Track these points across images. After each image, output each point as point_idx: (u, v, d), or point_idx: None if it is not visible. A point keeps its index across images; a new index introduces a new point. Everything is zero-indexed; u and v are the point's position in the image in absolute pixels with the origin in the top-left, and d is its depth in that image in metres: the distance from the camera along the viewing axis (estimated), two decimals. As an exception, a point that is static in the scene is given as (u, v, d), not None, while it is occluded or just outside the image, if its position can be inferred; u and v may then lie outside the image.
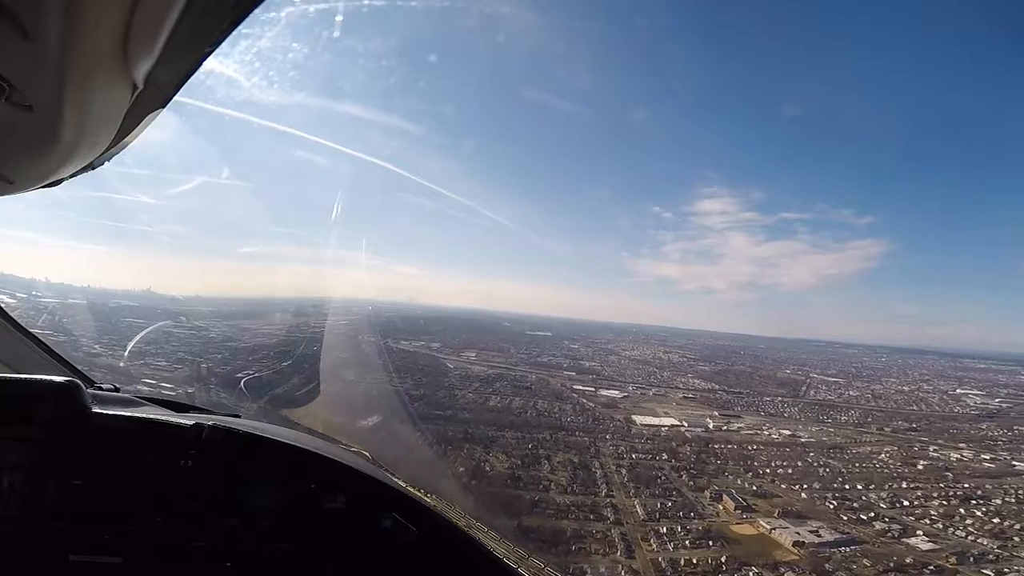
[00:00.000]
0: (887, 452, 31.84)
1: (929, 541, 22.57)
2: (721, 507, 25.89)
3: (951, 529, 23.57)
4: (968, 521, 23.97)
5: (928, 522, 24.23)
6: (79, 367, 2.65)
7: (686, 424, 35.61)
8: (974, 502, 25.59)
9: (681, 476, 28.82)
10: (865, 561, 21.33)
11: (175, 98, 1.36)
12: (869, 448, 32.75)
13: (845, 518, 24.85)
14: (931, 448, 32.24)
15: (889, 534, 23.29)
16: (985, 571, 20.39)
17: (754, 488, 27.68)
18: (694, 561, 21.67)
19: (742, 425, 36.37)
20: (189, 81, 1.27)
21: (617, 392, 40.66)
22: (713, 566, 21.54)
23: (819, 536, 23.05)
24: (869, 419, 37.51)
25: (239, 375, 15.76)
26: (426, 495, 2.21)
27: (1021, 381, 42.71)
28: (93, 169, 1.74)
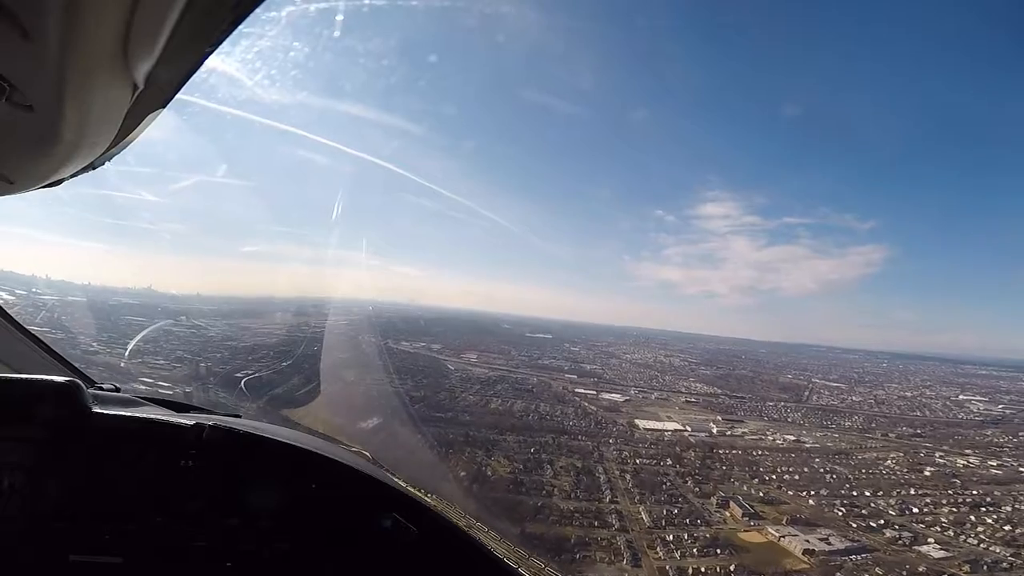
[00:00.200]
0: (893, 458, 31.48)
1: (941, 549, 22.15)
2: (728, 514, 25.38)
3: (962, 537, 23.17)
4: (979, 528, 23.59)
5: (939, 529, 23.82)
6: (79, 366, 2.64)
7: (689, 429, 35.16)
8: (984, 509, 25.23)
9: (686, 482, 28.30)
10: (877, 570, 20.87)
11: (176, 97, 1.36)
12: (875, 454, 32.39)
13: (854, 525, 24.41)
14: (937, 454, 31.93)
15: (900, 542, 22.86)
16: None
17: (761, 494, 27.20)
18: (702, 570, 21.14)
19: (746, 430, 35.95)
20: (190, 80, 1.28)
21: (619, 396, 40.20)
22: (722, 575, 21.03)
23: (829, 544, 22.58)
24: (873, 425, 37.20)
25: (238, 375, 15.65)
26: (426, 495, 2.19)
27: (1023, 387, 42.67)
28: (94, 169, 1.75)
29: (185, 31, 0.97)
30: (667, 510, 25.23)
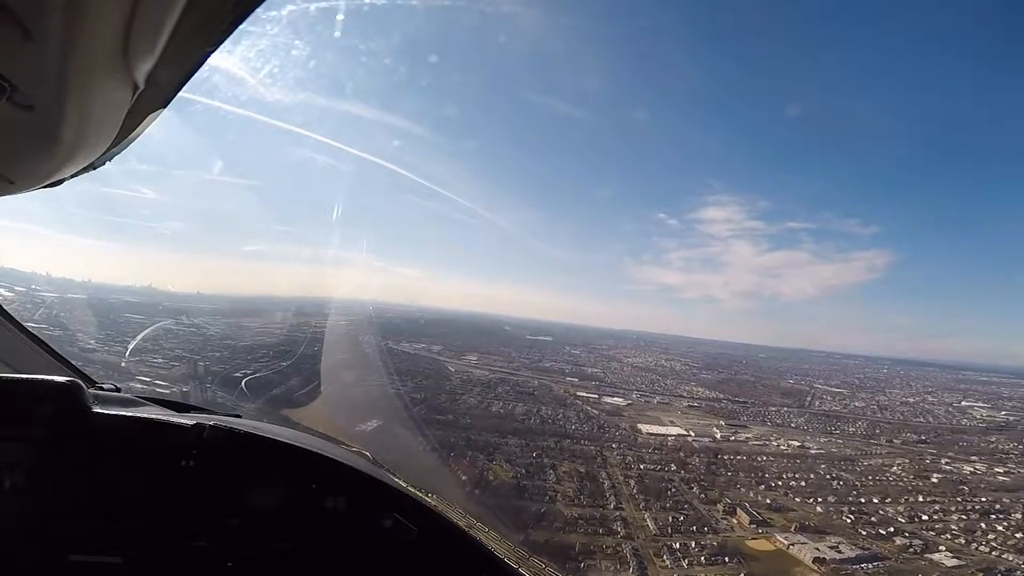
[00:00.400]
0: (899, 464, 31.14)
1: (953, 557, 21.72)
2: (735, 521, 24.85)
3: (974, 544, 22.78)
4: (990, 536, 23.23)
5: (949, 537, 23.41)
6: (78, 364, 2.66)
7: (693, 434, 34.70)
8: (993, 516, 24.89)
9: (691, 488, 27.79)
10: (890, 579, 20.43)
11: (176, 97, 1.35)
12: (880, 460, 32.05)
13: (864, 533, 23.96)
14: (943, 461, 31.63)
15: (911, 549, 22.42)
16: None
17: (768, 501, 26.71)
18: (711, 579, 20.62)
19: (750, 435, 35.53)
20: (191, 80, 1.27)
21: (621, 399, 39.73)
22: (732, 584, 20.52)
23: (839, 552, 22.10)
24: (877, 430, 36.91)
25: (237, 374, 15.41)
26: (427, 495, 2.17)
27: (1024, 394, 42.68)
28: (94, 169, 1.76)
29: (186, 31, 0.97)
30: (673, 517, 24.71)
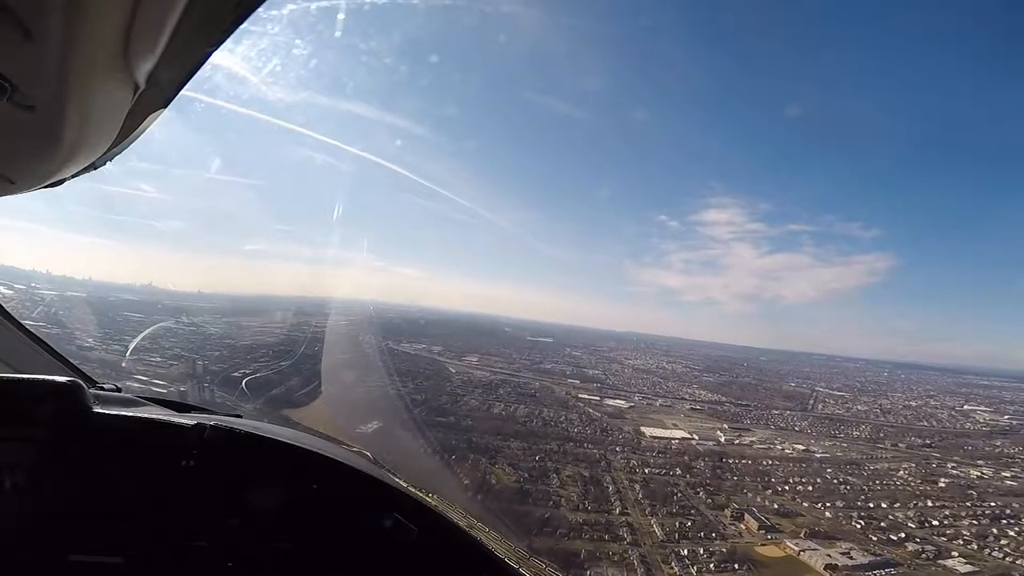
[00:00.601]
0: (905, 469, 30.79)
1: (967, 563, 21.31)
2: (743, 527, 24.32)
3: (987, 550, 22.39)
4: (1003, 542, 22.85)
5: (961, 543, 23.00)
6: (76, 364, 2.66)
7: (697, 437, 34.20)
8: (1005, 522, 24.53)
9: (698, 493, 27.23)
10: (905, 586, 19.95)
11: (177, 96, 1.35)
12: (886, 464, 31.68)
13: (875, 539, 23.52)
14: (949, 465, 31.32)
15: (924, 556, 21.99)
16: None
17: (775, 506, 26.21)
18: (722, 587, 20.06)
19: (754, 439, 35.08)
20: (192, 79, 1.27)
21: (623, 402, 39.19)
22: (743, 593, 19.96)
23: (851, 559, 21.61)
24: (881, 434, 36.60)
25: (235, 374, 15.23)
26: (427, 495, 2.13)
27: (1026, 398, 42.57)
28: (95, 169, 1.76)
29: (187, 31, 0.96)
30: (680, 523, 24.15)
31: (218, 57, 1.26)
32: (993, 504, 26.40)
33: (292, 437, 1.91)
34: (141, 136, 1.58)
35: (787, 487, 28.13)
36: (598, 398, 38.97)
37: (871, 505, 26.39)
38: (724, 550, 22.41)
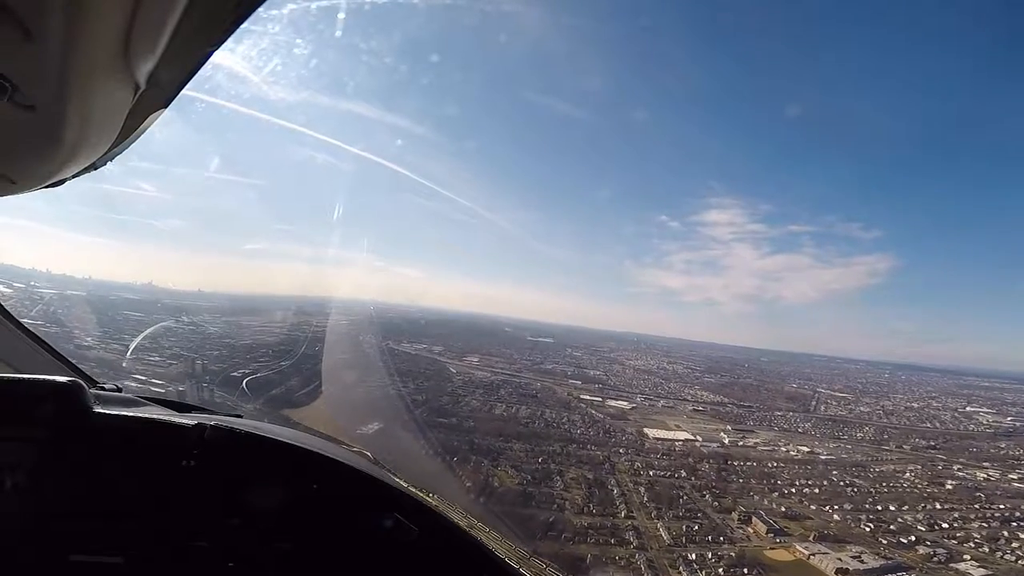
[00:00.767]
0: (911, 471, 30.48)
1: (980, 567, 20.94)
2: (751, 530, 23.85)
3: (998, 553, 22.06)
4: (1014, 544, 22.53)
5: (972, 546, 22.65)
6: (76, 363, 2.65)
7: (700, 439, 33.77)
8: (1015, 524, 24.21)
9: (704, 495, 26.75)
10: (918, 591, 19.53)
11: (178, 96, 1.35)
12: (892, 466, 31.37)
13: (885, 542, 23.13)
14: (955, 467, 31.05)
15: (935, 559, 21.61)
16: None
17: (783, 509, 25.77)
18: (732, 592, 19.56)
19: (758, 440, 34.70)
20: (192, 79, 1.27)
21: (625, 403, 38.74)
22: (754, 598, 19.46)
23: (862, 562, 21.19)
24: (885, 436, 36.32)
25: (236, 374, 14.95)
26: (428, 495, 2.12)
27: (1028, 400, 42.52)
28: (96, 169, 1.75)
29: (187, 31, 0.96)
30: (687, 526, 23.65)
31: (218, 57, 1.25)
32: (1002, 506, 26.09)
33: (292, 437, 1.91)
34: (142, 136, 1.57)
35: (793, 489, 27.71)
36: (600, 399, 38.49)
37: (879, 508, 26.01)
38: (733, 554, 21.93)
